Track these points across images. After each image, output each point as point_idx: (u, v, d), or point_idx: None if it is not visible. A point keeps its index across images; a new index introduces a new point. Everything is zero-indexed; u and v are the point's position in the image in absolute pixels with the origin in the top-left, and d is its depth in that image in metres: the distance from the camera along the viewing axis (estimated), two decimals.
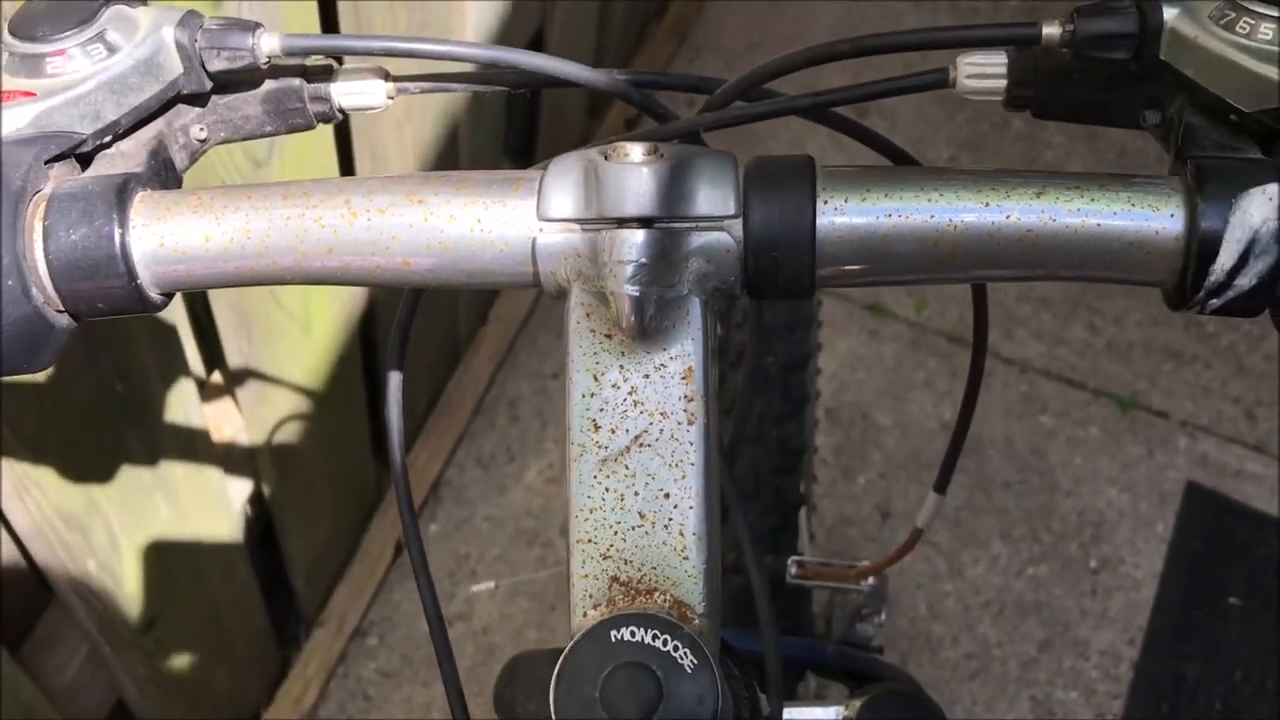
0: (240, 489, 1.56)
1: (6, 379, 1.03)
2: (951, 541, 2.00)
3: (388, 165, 1.53)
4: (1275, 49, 0.48)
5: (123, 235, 0.50)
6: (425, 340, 1.90)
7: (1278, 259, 0.46)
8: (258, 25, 0.55)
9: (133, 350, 1.18)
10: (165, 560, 1.36)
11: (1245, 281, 0.46)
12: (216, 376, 1.52)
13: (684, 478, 0.50)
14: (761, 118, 0.59)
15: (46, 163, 0.51)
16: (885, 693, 0.78)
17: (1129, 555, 2.00)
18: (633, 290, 0.48)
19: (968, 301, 0.72)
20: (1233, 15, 0.49)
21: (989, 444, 2.10)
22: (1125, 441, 2.12)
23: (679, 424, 0.50)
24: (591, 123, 2.30)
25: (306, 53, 0.57)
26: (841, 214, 0.48)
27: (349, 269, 0.51)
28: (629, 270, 0.47)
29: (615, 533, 0.50)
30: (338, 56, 0.60)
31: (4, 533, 1.16)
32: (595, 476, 0.50)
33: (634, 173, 0.47)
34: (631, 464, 0.50)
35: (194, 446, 1.35)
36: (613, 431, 0.50)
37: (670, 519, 0.50)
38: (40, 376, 1.06)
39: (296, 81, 0.59)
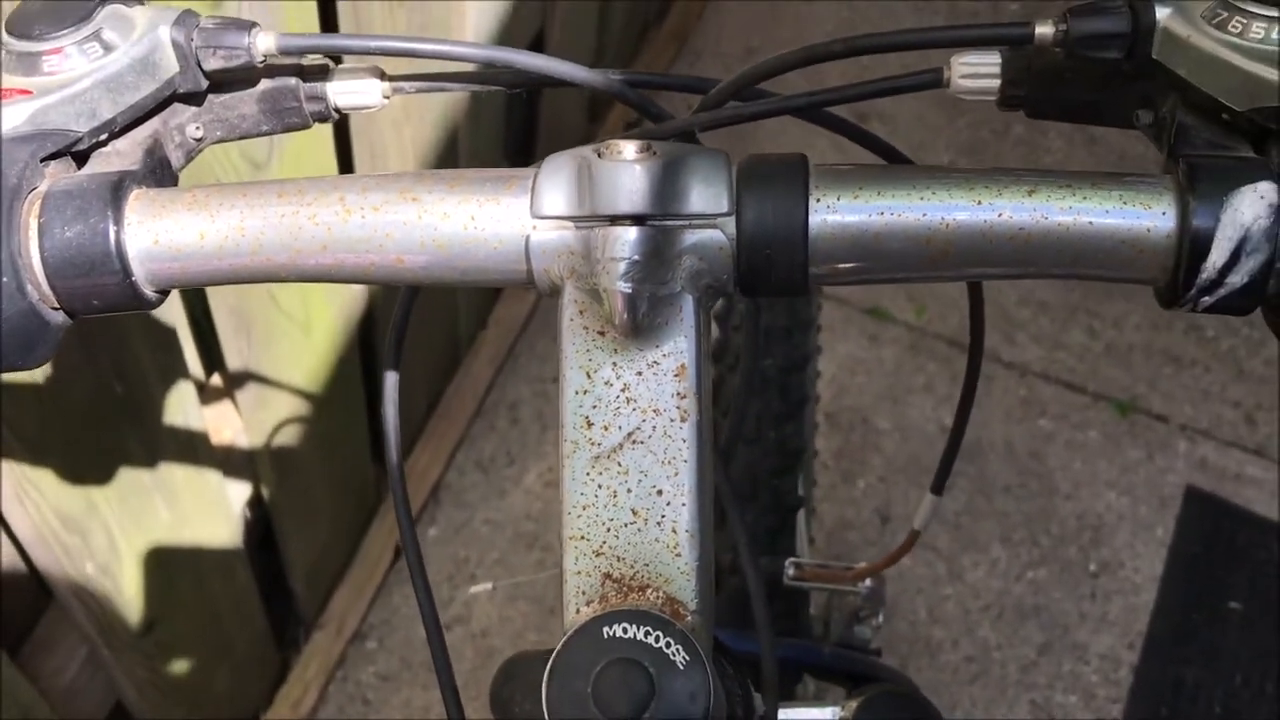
0: (239, 492, 1.56)
1: (6, 380, 1.03)
2: (951, 545, 2.00)
3: (387, 169, 1.53)
4: (1268, 48, 0.48)
5: (118, 232, 0.50)
6: (425, 344, 1.90)
7: (1269, 256, 0.46)
8: (254, 24, 0.55)
9: (132, 352, 1.18)
10: (165, 563, 1.36)
11: (1237, 279, 0.46)
12: (216, 379, 1.53)
13: (677, 475, 0.50)
14: (756, 117, 0.59)
15: (42, 160, 0.51)
16: (882, 693, 0.78)
17: (1129, 559, 1.99)
18: (625, 287, 0.48)
19: (967, 305, 0.72)
20: (1225, 14, 0.49)
21: (988, 448, 2.10)
22: (1125, 445, 2.12)
23: (672, 421, 0.50)
24: (591, 126, 2.30)
25: (302, 52, 0.57)
26: (834, 212, 0.48)
27: (343, 266, 0.51)
28: (622, 267, 0.48)
29: (608, 529, 0.50)
30: (334, 56, 0.60)
31: (3, 535, 1.16)
32: (588, 473, 0.50)
33: (627, 170, 0.48)
34: (624, 461, 0.50)
35: (193, 449, 1.35)
36: (606, 428, 0.50)
37: (663, 516, 0.50)
38: (39, 377, 1.06)
39: (292, 81, 0.59)
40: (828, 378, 2.12)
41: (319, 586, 1.84)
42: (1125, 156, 2.39)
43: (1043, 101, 0.56)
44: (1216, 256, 0.46)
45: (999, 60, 0.55)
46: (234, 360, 1.41)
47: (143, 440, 1.25)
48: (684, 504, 0.50)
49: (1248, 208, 0.46)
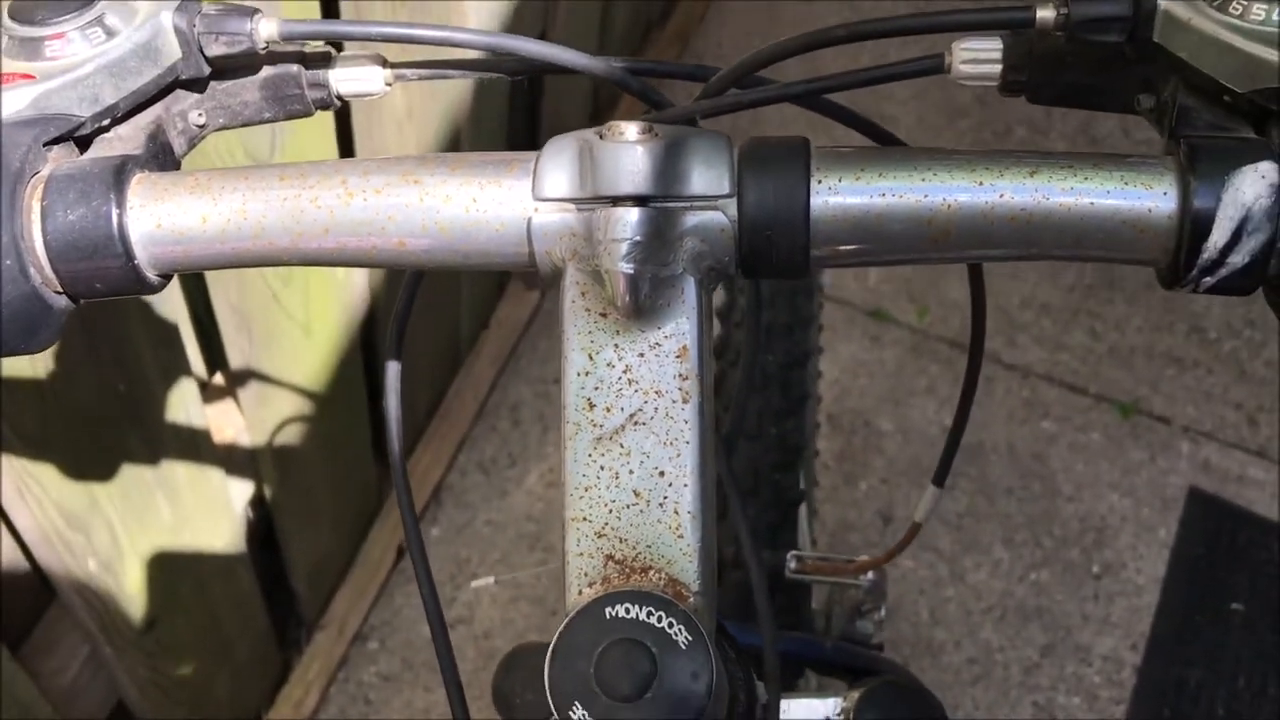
0: (242, 491, 1.56)
1: (8, 377, 1.04)
2: (953, 547, 1.99)
3: None
4: (1268, 29, 0.48)
5: (120, 216, 0.50)
6: (426, 345, 1.90)
7: (1270, 236, 0.46)
8: (256, 10, 0.55)
9: (134, 349, 1.19)
10: (167, 561, 1.36)
11: (1238, 259, 0.46)
12: (218, 378, 1.53)
13: (679, 456, 0.50)
14: (757, 104, 0.59)
15: (45, 145, 0.52)
16: (884, 684, 0.78)
17: (1131, 560, 1.99)
18: (627, 268, 0.48)
19: (969, 307, 0.72)
20: None
21: (990, 450, 2.10)
22: (1127, 447, 2.12)
23: (674, 402, 0.50)
24: (594, 123, 2.30)
25: (305, 38, 0.57)
26: (835, 193, 0.48)
27: (345, 250, 0.51)
28: (624, 248, 0.48)
29: (610, 511, 0.50)
30: (336, 43, 0.61)
31: (5, 532, 1.16)
32: (590, 455, 0.50)
33: (629, 151, 0.48)
34: (626, 442, 0.50)
35: (196, 447, 1.35)
36: (608, 410, 0.50)
37: (665, 497, 0.50)
38: (42, 374, 1.06)
39: (295, 68, 0.59)
40: (830, 380, 2.12)
41: (321, 587, 1.83)
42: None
43: (1044, 86, 0.56)
44: (1218, 236, 0.46)
45: (1000, 45, 0.55)
46: (236, 358, 1.41)
47: (145, 438, 1.25)
48: (686, 485, 0.50)
49: (1249, 187, 0.46)
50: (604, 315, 0.50)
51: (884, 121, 0.60)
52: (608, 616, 0.47)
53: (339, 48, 0.61)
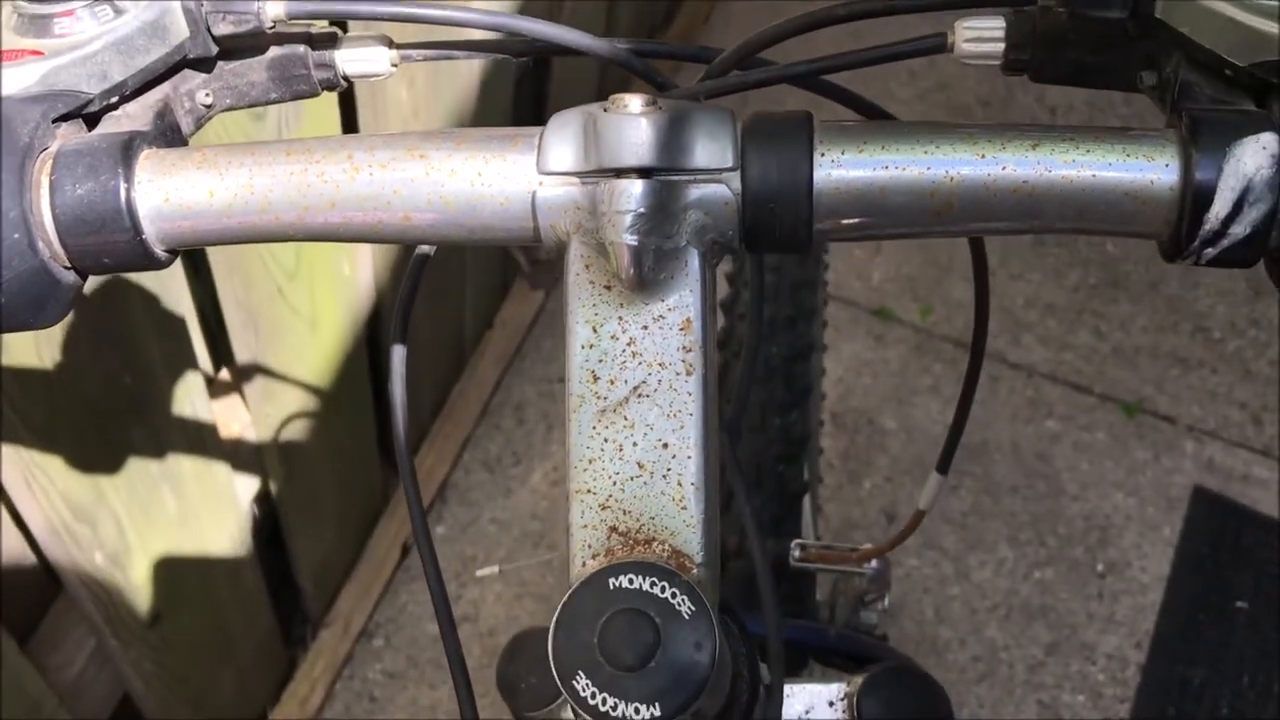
0: (248, 486, 1.56)
1: (16, 369, 1.04)
2: (958, 545, 1.99)
3: None
4: (1269, 2, 0.48)
5: (128, 190, 0.51)
6: (431, 344, 1.90)
7: (1271, 207, 0.46)
8: None
9: (140, 343, 1.19)
10: (173, 556, 1.36)
11: (1240, 230, 0.47)
12: (224, 374, 1.53)
13: (682, 428, 0.50)
14: (759, 85, 0.59)
15: (54, 121, 0.52)
16: (887, 670, 0.78)
17: (1136, 559, 1.99)
18: (631, 240, 0.48)
19: (973, 307, 0.72)
20: None
21: (995, 449, 2.10)
22: (1132, 446, 2.12)
23: (677, 375, 0.50)
24: None
25: (311, 18, 0.57)
26: (839, 166, 0.49)
27: (351, 224, 0.51)
28: (627, 220, 0.48)
29: (614, 483, 0.50)
30: (342, 24, 0.61)
31: (14, 524, 1.16)
32: (594, 427, 0.50)
33: (632, 124, 0.48)
34: (630, 414, 0.50)
35: (201, 442, 1.35)
36: (611, 382, 0.50)
37: (669, 469, 0.50)
38: (50, 365, 1.07)
39: (301, 48, 0.59)
40: (834, 378, 2.12)
41: (326, 584, 1.84)
42: None
43: (1046, 64, 0.56)
44: (1219, 207, 0.46)
45: (1003, 24, 0.56)
46: (242, 353, 1.42)
47: (150, 431, 1.25)
48: (690, 457, 0.50)
49: (1250, 158, 0.46)
50: (608, 288, 0.50)
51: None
52: (611, 587, 0.47)
53: (344, 28, 0.61)
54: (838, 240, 0.52)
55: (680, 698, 0.46)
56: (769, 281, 1.21)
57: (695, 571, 0.50)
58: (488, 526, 1.98)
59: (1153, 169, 0.48)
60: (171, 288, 1.22)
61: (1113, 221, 0.49)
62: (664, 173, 0.48)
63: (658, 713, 0.46)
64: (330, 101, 1.37)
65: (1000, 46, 0.56)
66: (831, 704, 0.77)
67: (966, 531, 2.01)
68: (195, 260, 1.33)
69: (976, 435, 2.10)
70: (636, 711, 0.46)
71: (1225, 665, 1.88)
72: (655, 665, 0.46)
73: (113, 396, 1.17)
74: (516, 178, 0.50)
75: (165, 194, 0.51)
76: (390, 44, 0.60)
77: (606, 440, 0.50)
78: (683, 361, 0.50)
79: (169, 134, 0.57)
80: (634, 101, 0.48)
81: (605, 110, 0.49)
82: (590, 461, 0.50)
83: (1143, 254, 2.34)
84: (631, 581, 0.47)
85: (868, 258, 2.33)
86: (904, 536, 0.90)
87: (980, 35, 0.56)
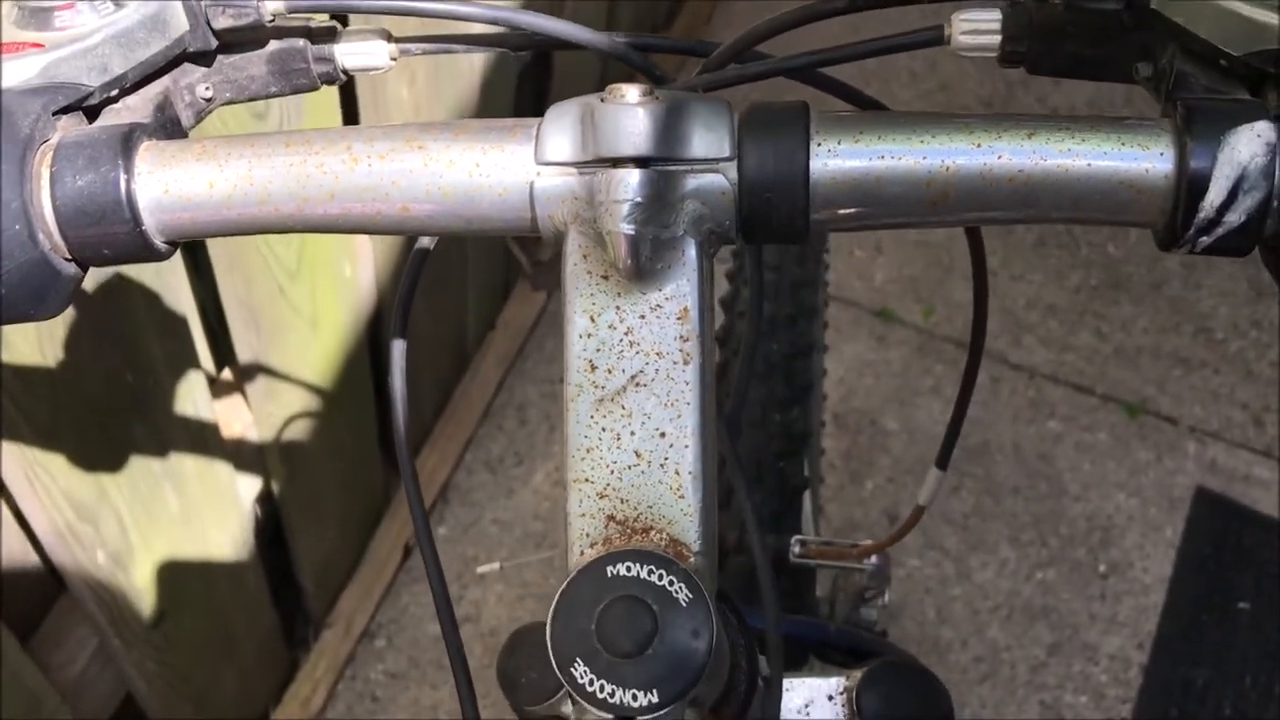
0: (250, 487, 1.57)
1: (19, 367, 1.04)
2: (960, 546, 1.99)
3: None
4: None
5: (128, 181, 0.51)
6: (433, 345, 1.91)
7: (1266, 195, 0.46)
8: None
9: (142, 341, 1.19)
10: (175, 555, 1.36)
11: (1234, 218, 0.47)
12: (227, 374, 1.53)
13: (680, 417, 0.50)
14: (757, 78, 0.60)
15: (54, 114, 0.52)
16: (887, 664, 0.78)
17: (1138, 560, 1.99)
18: (628, 229, 0.48)
19: (974, 307, 0.72)
20: None
21: (997, 449, 2.10)
22: (1134, 447, 2.12)
23: (675, 364, 0.50)
24: None
25: (310, 11, 0.57)
26: (835, 156, 0.49)
27: (349, 215, 0.52)
28: (625, 209, 0.48)
29: (612, 472, 0.50)
30: (342, 18, 0.61)
31: (16, 523, 1.17)
32: (592, 416, 0.51)
33: (629, 114, 0.48)
34: (628, 404, 0.50)
35: (204, 441, 1.36)
36: (609, 372, 0.50)
37: (666, 458, 0.50)
38: (52, 363, 1.07)
39: (300, 42, 0.59)
40: (836, 379, 2.12)
41: (328, 585, 1.84)
42: None
43: (1043, 56, 0.56)
44: (1214, 195, 0.46)
45: (999, 16, 0.56)
46: (244, 353, 1.42)
47: (152, 429, 1.26)
48: (687, 446, 0.50)
49: (1244, 146, 0.46)
50: (605, 278, 0.51)
51: None
52: (609, 575, 0.47)
53: (344, 22, 0.61)
54: (835, 230, 0.53)
55: (678, 684, 0.46)
56: (769, 280, 1.22)
57: (693, 560, 0.50)
58: (490, 527, 1.98)
59: (1148, 158, 0.48)
60: (173, 286, 1.22)
61: (1108, 210, 0.49)
62: (661, 162, 0.49)
63: (655, 699, 0.46)
64: (332, 102, 1.37)
65: (996, 38, 0.56)
66: (831, 698, 0.77)
67: (968, 532, 2.01)
68: (197, 259, 1.33)
69: (978, 436, 2.10)
70: (634, 698, 0.46)
71: (1228, 666, 1.88)
72: (653, 652, 0.46)
73: (115, 395, 1.18)
74: (514, 168, 0.50)
75: (165, 185, 0.51)
76: (389, 38, 0.61)
77: (604, 429, 0.50)
78: (680, 351, 0.50)
79: (169, 127, 0.57)
80: (631, 91, 0.49)
81: (602, 100, 0.49)
82: (588, 451, 0.51)
83: (1144, 255, 2.34)
84: (629, 569, 0.47)
85: (870, 258, 2.34)
86: (904, 532, 0.90)
87: (976, 27, 0.56)
